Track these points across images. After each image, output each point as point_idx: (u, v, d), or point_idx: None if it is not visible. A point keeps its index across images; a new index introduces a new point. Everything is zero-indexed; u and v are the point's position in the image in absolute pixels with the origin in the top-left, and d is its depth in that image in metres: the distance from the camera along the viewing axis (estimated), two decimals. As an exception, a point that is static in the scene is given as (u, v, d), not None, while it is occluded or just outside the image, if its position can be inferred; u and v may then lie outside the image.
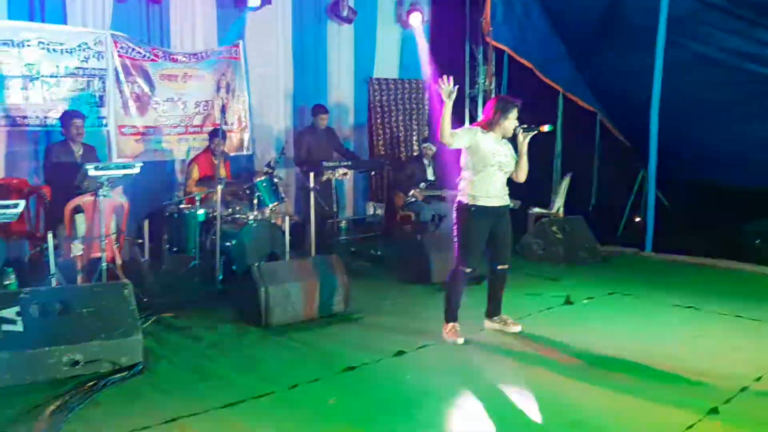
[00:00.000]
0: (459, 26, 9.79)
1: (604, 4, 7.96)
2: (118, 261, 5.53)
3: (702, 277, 6.65)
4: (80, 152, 5.92)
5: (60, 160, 5.81)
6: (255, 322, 5.02)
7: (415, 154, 9.44)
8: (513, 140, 4.78)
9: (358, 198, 9.44)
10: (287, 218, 6.78)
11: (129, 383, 3.92)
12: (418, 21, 9.35)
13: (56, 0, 6.58)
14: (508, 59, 9.26)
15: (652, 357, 4.36)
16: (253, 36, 8.07)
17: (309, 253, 6.78)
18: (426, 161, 8.21)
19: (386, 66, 9.53)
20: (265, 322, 4.98)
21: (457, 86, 4.42)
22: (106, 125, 6.95)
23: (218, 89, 7.80)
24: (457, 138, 4.56)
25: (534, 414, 3.54)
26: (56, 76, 6.61)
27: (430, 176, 8.16)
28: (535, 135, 4.74)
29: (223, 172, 6.55)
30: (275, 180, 6.63)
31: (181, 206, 6.55)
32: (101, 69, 6.87)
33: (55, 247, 5.33)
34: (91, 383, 3.85)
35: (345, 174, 7.35)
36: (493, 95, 9.23)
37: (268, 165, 6.78)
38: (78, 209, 5.37)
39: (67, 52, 6.63)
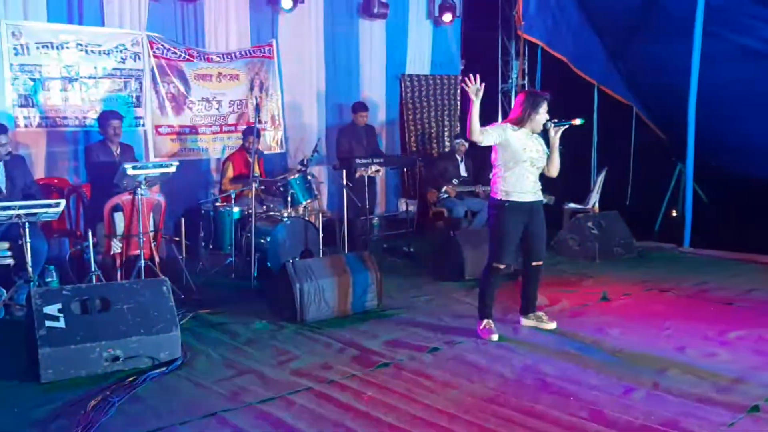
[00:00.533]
0: (491, 21, 9.74)
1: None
2: (156, 258, 5.63)
3: (742, 273, 6.51)
4: (118, 152, 6.03)
5: (99, 159, 5.92)
6: (290, 319, 5.07)
7: (446, 150, 9.42)
8: (545, 135, 4.74)
9: (391, 195, 9.45)
10: (320, 215, 6.83)
11: (168, 378, 3.99)
12: (449, 16, 9.31)
13: (94, 2, 6.72)
14: (541, 53, 9.18)
15: (691, 354, 4.30)
16: (286, 35, 8.13)
17: (342, 249, 6.82)
18: (458, 157, 8.18)
19: (418, 62, 9.51)
20: (299, 319, 5.02)
21: (483, 84, 4.39)
22: (143, 125, 7.08)
23: (252, 88, 7.88)
24: (487, 135, 4.54)
25: (569, 411, 3.51)
26: (94, 77, 6.75)
27: (463, 172, 8.14)
28: (568, 129, 4.71)
29: (257, 170, 6.62)
30: (308, 177, 6.68)
31: (217, 204, 6.64)
32: (138, 70, 7.00)
33: (95, 245, 5.45)
34: (132, 378, 3.92)
35: (378, 171, 7.37)
36: (524, 90, 9.16)
37: (302, 162, 6.83)
38: (117, 208, 5.47)
39: (104, 53, 6.77)
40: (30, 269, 4.82)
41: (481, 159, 7.57)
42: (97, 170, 5.87)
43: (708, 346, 4.49)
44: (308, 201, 6.66)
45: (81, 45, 6.63)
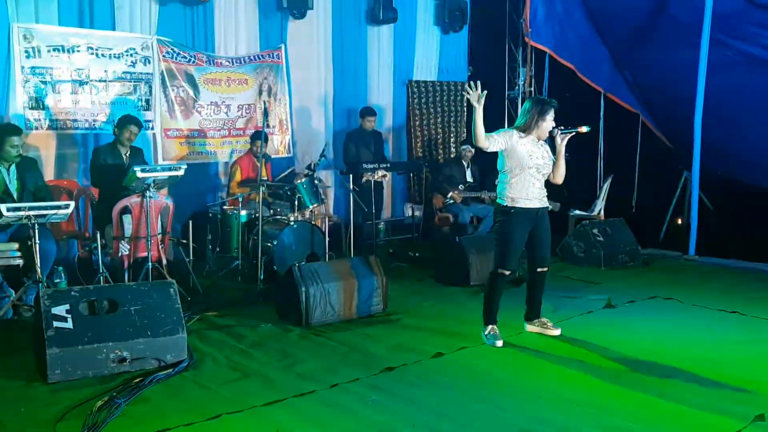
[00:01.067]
0: (498, 28, 9.77)
1: (649, 2, 7.86)
2: (164, 260, 5.67)
3: (747, 282, 6.50)
4: (128, 154, 6.07)
5: (108, 162, 5.96)
6: (296, 322, 5.10)
7: (453, 156, 9.45)
8: (551, 142, 4.77)
9: (397, 200, 9.47)
10: (327, 219, 6.87)
11: (174, 380, 4.02)
12: (457, 23, 9.35)
13: (105, 6, 6.78)
14: (549, 60, 9.20)
15: (695, 362, 4.30)
16: (295, 40, 8.18)
17: (348, 254, 6.85)
18: (465, 163, 8.21)
19: (425, 68, 9.55)
20: (305, 322, 5.05)
21: (485, 92, 4.42)
22: (152, 128, 7.13)
23: (260, 93, 7.94)
24: (493, 141, 4.56)
25: (571, 418, 3.53)
26: (104, 81, 6.81)
27: (469, 178, 8.16)
28: (574, 136, 4.73)
29: (264, 174, 6.66)
30: (315, 182, 6.72)
31: (224, 207, 6.68)
32: (147, 73, 7.06)
33: (103, 247, 5.50)
34: (138, 379, 3.96)
35: (384, 176, 7.40)
36: (532, 96, 9.19)
37: (309, 167, 6.87)
38: (125, 210, 5.52)
39: (115, 57, 6.83)
40: (39, 270, 4.87)
41: (487, 165, 7.60)
42: (105, 172, 5.91)
43: (713, 353, 4.49)
44: (315, 205, 6.70)
45: (92, 48, 6.70)
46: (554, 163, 4.74)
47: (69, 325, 4.03)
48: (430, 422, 3.47)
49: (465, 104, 9.75)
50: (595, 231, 7.31)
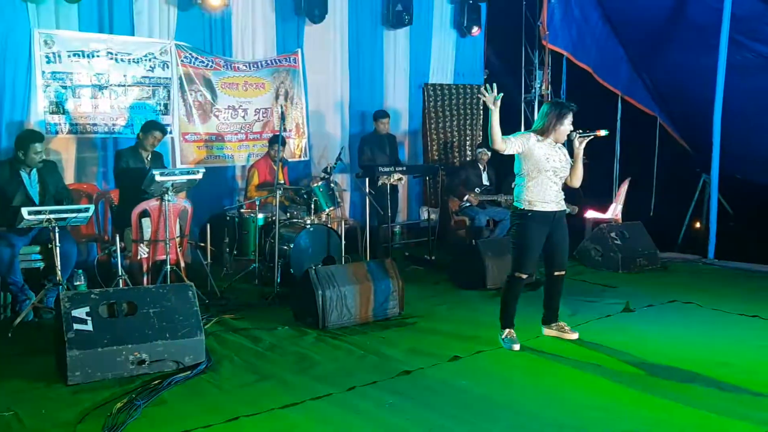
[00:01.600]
0: (515, 30, 9.76)
1: (667, 4, 7.82)
2: (182, 263, 5.72)
3: (767, 286, 6.43)
4: (149, 158, 6.14)
5: (129, 165, 6.03)
6: (312, 325, 5.11)
7: (469, 159, 9.44)
8: (569, 145, 4.76)
9: (413, 203, 9.49)
10: (343, 223, 6.88)
11: (192, 382, 4.05)
12: (473, 26, 9.35)
13: (124, 12, 6.86)
14: (566, 63, 9.18)
15: (715, 367, 4.26)
16: (311, 44, 8.23)
17: (364, 257, 6.86)
18: (481, 166, 8.19)
19: (441, 72, 9.57)
20: (321, 325, 5.06)
21: (501, 94, 4.41)
22: (170, 132, 7.19)
23: (277, 97, 7.98)
24: (510, 144, 4.55)
25: (589, 423, 3.51)
26: (123, 85, 6.88)
27: (485, 181, 8.15)
28: (592, 139, 4.72)
29: (281, 177, 6.69)
30: (331, 185, 6.74)
31: (242, 211, 6.72)
32: (166, 78, 7.13)
33: (122, 250, 5.55)
34: (157, 381, 3.99)
35: (400, 179, 7.41)
36: (550, 99, 9.17)
37: (325, 170, 6.90)
38: (144, 213, 5.57)
39: (134, 62, 6.91)
40: (59, 273, 4.92)
41: (504, 168, 7.59)
42: (125, 176, 5.98)
43: (733, 358, 4.45)
44: (331, 208, 6.72)
45: (111, 53, 6.77)
46: (572, 167, 4.73)
47: (89, 327, 4.06)
48: (446, 426, 3.47)
49: (481, 107, 9.75)
50: (613, 234, 7.27)
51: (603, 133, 4.69)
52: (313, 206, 6.57)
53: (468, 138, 9.80)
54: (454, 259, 6.91)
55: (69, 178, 6.55)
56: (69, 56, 6.54)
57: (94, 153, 6.82)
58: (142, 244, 5.61)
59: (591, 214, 8.16)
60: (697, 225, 8.73)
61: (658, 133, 9.25)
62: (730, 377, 4.09)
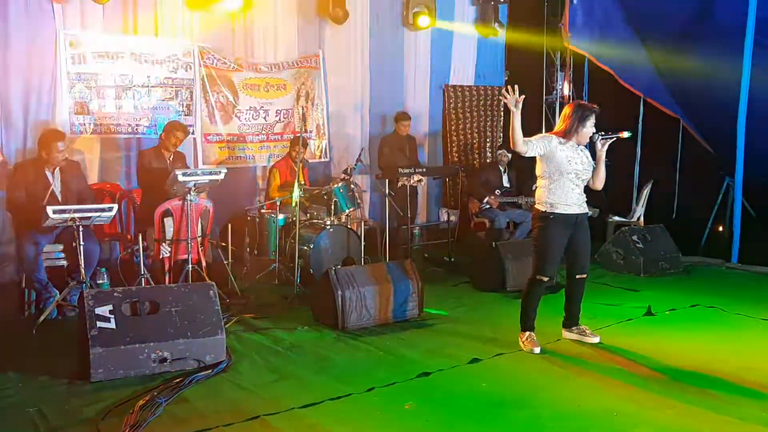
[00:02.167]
0: (536, 32, 9.71)
1: (691, 6, 7.74)
2: (203, 263, 5.76)
3: (792, 290, 6.36)
4: (171, 158, 6.19)
5: (152, 165, 6.09)
6: (332, 325, 5.13)
7: (489, 160, 9.41)
8: (591, 147, 4.72)
9: (432, 204, 9.47)
10: (362, 223, 6.90)
11: (213, 380, 4.08)
12: (495, 27, 9.33)
13: (148, 14, 6.92)
14: (588, 64, 9.11)
15: (738, 372, 4.21)
16: (332, 45, 8.25)
17: (383, 258, 6.87)
18: (501, 168, 8.17)
19: (462, 73, 9.55)
20: (341, 326, 5.08)
21: (523, 96, 4.40)
22: (192, 133, 7.24)
23: (298, 98, 8.01)
24: (531, 146, 4.53)
25: (611, 427, 3.48)
26: (147, 86, 6.95)
27: (506, 183, 8.12)
28: (614, 141, 4.69)
29: (302, 178, 6.72)
30: (351, 186, 6.76)
31: (262, 211, 6.76)
32: (189, 79, 7.19)
33: (145, 249, 5.60)
34: (178, 380, 4.02)
35: (420, 180, 7.41)
36: (571, 101, 9.11)
37: (345, 171, 6.92)
38: (167, 213, 5.62)
39: (157, 63, 6.97)
40: (83, 271, 4.98)
41: (524, 170, 7.56)
42: (148, 176, 6.04)
43: (757, 363, 4.39)
44: (351, 209, 6.74)
45: (135, 55, 6.84)
46: (594, 169, 4.70)
47: (112, 325, 4.11)
48: (466, 429, 3.46)
49: (502, 109, 9.72)
50: (635, 238, 7.21)
51: (626, 134, 4.66)
52: (332, 207, 6.59)
53: (488, 139, 9.77)
54: (473, 261, 6.89)
55: (93, 177, 6.63)
56: (94, 57, 6.61)
57: (118, 153, 6.89)
58: (164, 244, 5.66)
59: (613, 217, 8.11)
60: (720, 228, 8.61)
61: (681, 135, 9.14)
62: (755, 382, 4.04)
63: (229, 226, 6.44)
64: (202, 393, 3.89)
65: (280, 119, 7.93)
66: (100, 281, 5.76)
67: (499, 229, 7.79)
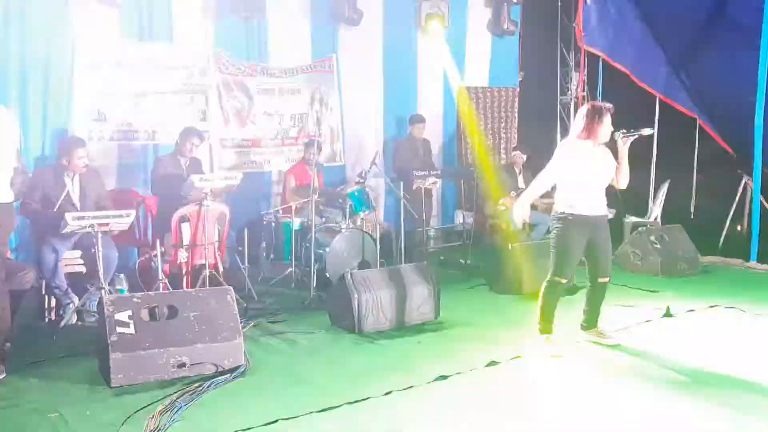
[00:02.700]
0: (550, 32, 9.68)
1: (706, 4, 7.69)
2: (220, 267, 5.79)
3: (814, 291, 6.28)
4: (187, 164, 6.23)
5: (168, 171, 6.13)
6: (348, 329, 5.13)
7: (504, 162, 9.39)
8: (613, 145, 4.68)
9: (448, 207, 9.46)
10: (378, 227, 6.90)
11: (231, 385, 4.09)
12: (509, 28, 9.31)
13: (164, 20, 6.97)
14: (602, 64, 9.07)
15: (759, 374, 4.17)
16: (346, 49, 8.28)
17: (399, 261, 6.87)
18: (516, 169, 8.14)
19: (476, 74, 9.53)
20: (357, 329, 5.08)
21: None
22: (208, 138, 7.27)
23: (312, 102, 8.04)
24: (549, 177, 4.62)
25: (630, 428, 3.46)
26: (162, 92, 6.99)
27: (521, 184, 8.08)
28: (636, 140, 4.65)
29: (316, 182, 6.73)
30: (366, 189, 6.76)
31: (278, 215, 6.78)
32: (204, 85, 7.23)
33: (162, 254, 5.63)
34: (197, 384, 4.04)
35: (435, 183, 7.41)
36: (586, 101, 9.06)
37: (360, 175, 6.93)
38: (184, 218, 5.65)
39: (173, 69, 7.02)
40: (102, 277, 5.02)
41: (540, 171, 7.52)
42: (165, 182, 6.08)
43: (777, 365, 4.36)
44: (366, 213, 6.74)
45: (151, 61, 6.89)
46: (617, 168, 4.65)
47: (131, 330, 4.13)
48: None
49: (516, 110, 9.69)
50: (653, 238, 7.15)
51: (648, 132, 4.64)
52: (347, 210, 6.60)
53: (503, 141, 9.74)
54: (489, 263, 6.87)
55: (110, 184, 6.67)
56: (110, 64, 6.67)
57: (134, 159, 6.95)
58: (181, 249, 5.69)
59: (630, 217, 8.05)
60: (739, 227, 8.54)
61: (697, 134, 9.07)
62: (775, 384, 4.00)
63: (246, 230, 6.46)
64: (220, 397, 3.91)
65: (294, 123, 7.96)
66: (119, 287, 5.79)
67: (515, 231, 7.74)
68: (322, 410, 3.69)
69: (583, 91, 9.45)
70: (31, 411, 3.75)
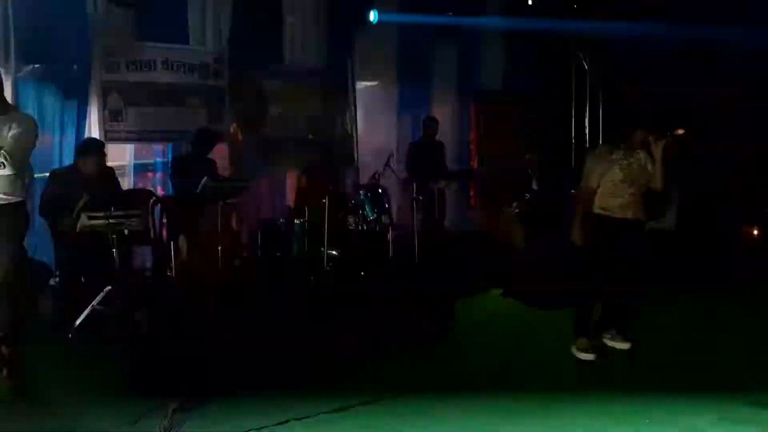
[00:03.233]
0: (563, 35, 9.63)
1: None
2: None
3: None
4: (201, 166, 6.26)
5: (182, 172, 6.16)
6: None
7: (517, 165, 9.35)
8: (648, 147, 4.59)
9: (461, 209, 9.44)
10: (390, 229, 6.92)
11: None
12: (522, 32, 9.31)
13: (179, 21, 7.02)
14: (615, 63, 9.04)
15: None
16: (360, 51, 8.29)
17: (413, 262, 6.87)
18: (529, 171, 8.12)
19: (490, 78, 9.52)
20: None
21: None
22: (223, 140, 7.31)
23: (326, 103, 8.06)
24: (592, 179, 4.54)
25: None
26: (179, 93, 7.04)
27: (534, 186, 8.07)
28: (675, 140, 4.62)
29: (329, 184, 6.76)
30: (379, 191, 6.78)
31: (292, 217, 6.81)
32: (220, 86, 7.27)
33: (177, 254, 5.68)
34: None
35: (448, 185, 7.41)
36: (600, 104, 9.07)
37: (373, 177, 6.94)
38: (198, 218, 5.69)
39: (189, 70, 7.06)
40: (117, 276, 5.05)
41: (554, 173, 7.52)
42: (180, 182, 6.12)
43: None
44: (380, 214, 6.75)
45: (167, 62, 6.94)
46: (652, 171, 4.57)
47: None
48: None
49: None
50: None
51: (680, 132, 4.59)
52: (361, 212, 6.62)
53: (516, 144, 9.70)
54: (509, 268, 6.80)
55: (126, 184, 6.72)
56: (127, 65, 6.72)
57: (151, 160, 7.00)
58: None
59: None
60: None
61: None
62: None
63: (259, 233, 6.49)
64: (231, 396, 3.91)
65: (309, 125, 7.98)
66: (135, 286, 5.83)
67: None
68: (335, 411, 3.68)
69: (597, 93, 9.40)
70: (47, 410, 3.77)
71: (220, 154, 7.10)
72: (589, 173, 4.59)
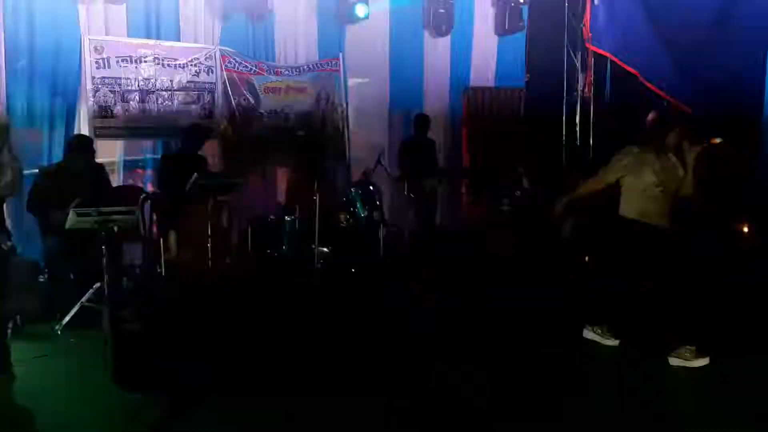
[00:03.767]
0: (557, 32, 9.62)
1: (715, 6, 7.66)
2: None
3: None
4: (193, 162, 6.24)
5: (173, 169, 6.14)
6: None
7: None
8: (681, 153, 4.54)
9: (454, 206, 9.44)
10: (382, 226, 6.92)
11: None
12: (515, 29, 9.30)
13: (171, 18, 7.02)
14: (611, 65, 9.02)
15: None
16: (352, 48, 8.28)
17: (406, 259, 6.87)
18: (521, 170, 8.13)
19: (482, 74, 9.51)
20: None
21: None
22: (214, 137, 7.29)
23: (318, 101, 8.05)
24: (611, 173, 4.53)
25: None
26: (169, 90, 7.03)
27: (525, 185, 8.08)
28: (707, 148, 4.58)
29: (322, 181, 6.75)
30: (371, 188, 6.77)
31: (282, 213, 6.80)
32: (211, 83, 7.26)
33: (166, 251, 5.66)
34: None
35: (440, 183, 7.40)
36: (592, 103, 9.06)
37: (365, 174, 6.94)
38: (188, 215, 5.67)
39: (179, 67, 7.05)
40: (106, 273, 5.02)
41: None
42: (170, 179, 6.10)
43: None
44: (370, 212, 6.75)
45: (158, 59, 6.92)
46: (683, 177, 4.51)
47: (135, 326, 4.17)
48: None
49: (522, 110, 9.67)
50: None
51: (717, 140, 4.55)
52: (351, 210, 6.61)
53: (509, 141, 9.70)
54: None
55: (116, 181, 6.71)
56: (117, 62, 6.70)
57: (141, 156, 6.98)
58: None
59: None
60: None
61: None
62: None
63: (249, 229, 6.48)
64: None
65: (300, 122, 7.97)
66: (123, 283, 5.82)
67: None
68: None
69: (590, 92, 9.39)
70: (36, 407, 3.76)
71: (210, 151, 7.12)
72: (610, 170, 4.53)
